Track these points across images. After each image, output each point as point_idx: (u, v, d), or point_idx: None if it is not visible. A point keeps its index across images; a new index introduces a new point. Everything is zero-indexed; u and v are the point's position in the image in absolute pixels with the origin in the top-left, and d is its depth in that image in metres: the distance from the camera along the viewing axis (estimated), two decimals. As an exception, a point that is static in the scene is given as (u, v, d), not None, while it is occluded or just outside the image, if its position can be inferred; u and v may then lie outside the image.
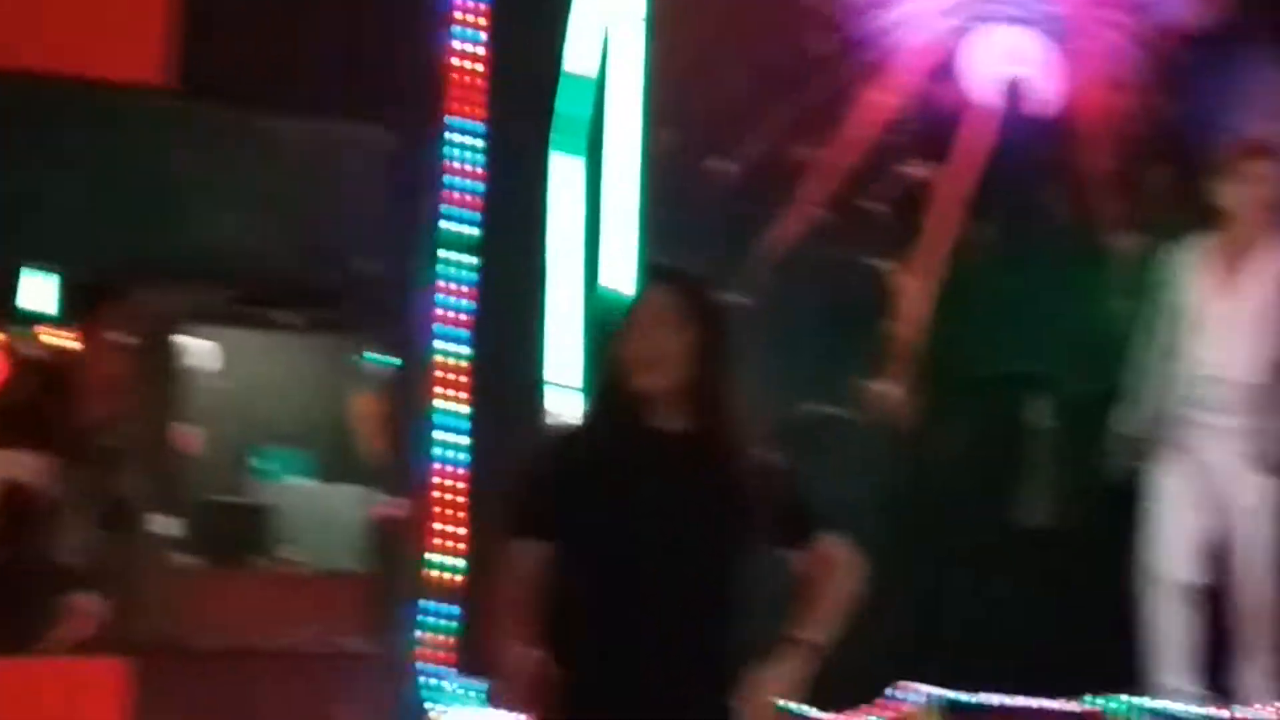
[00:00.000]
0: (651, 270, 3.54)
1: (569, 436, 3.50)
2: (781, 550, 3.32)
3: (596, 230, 6.47)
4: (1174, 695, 5.77)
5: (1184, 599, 5.89)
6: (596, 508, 3.22)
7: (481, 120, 6.21)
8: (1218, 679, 5.95)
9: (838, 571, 3.33)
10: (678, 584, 3.19)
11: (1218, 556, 6.02)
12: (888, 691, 5.50)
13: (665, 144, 6.79)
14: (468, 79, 6.26)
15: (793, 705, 5.29)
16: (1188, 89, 7.70)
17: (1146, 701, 5.59)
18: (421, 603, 5.74)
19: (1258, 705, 5.51)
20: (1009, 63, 7.59)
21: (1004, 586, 6.75)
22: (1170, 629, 5.88)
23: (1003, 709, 5.55)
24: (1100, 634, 6.08)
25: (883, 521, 6.67)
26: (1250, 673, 5.78)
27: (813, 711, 5.63)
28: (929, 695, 5.30)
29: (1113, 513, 6.34)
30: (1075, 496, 6.86)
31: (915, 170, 7.32)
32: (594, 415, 3.40)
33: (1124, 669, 5.97)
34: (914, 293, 7.19)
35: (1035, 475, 6.91)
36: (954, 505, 6.86)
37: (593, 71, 6.52)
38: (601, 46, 6.57)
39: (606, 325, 3.38)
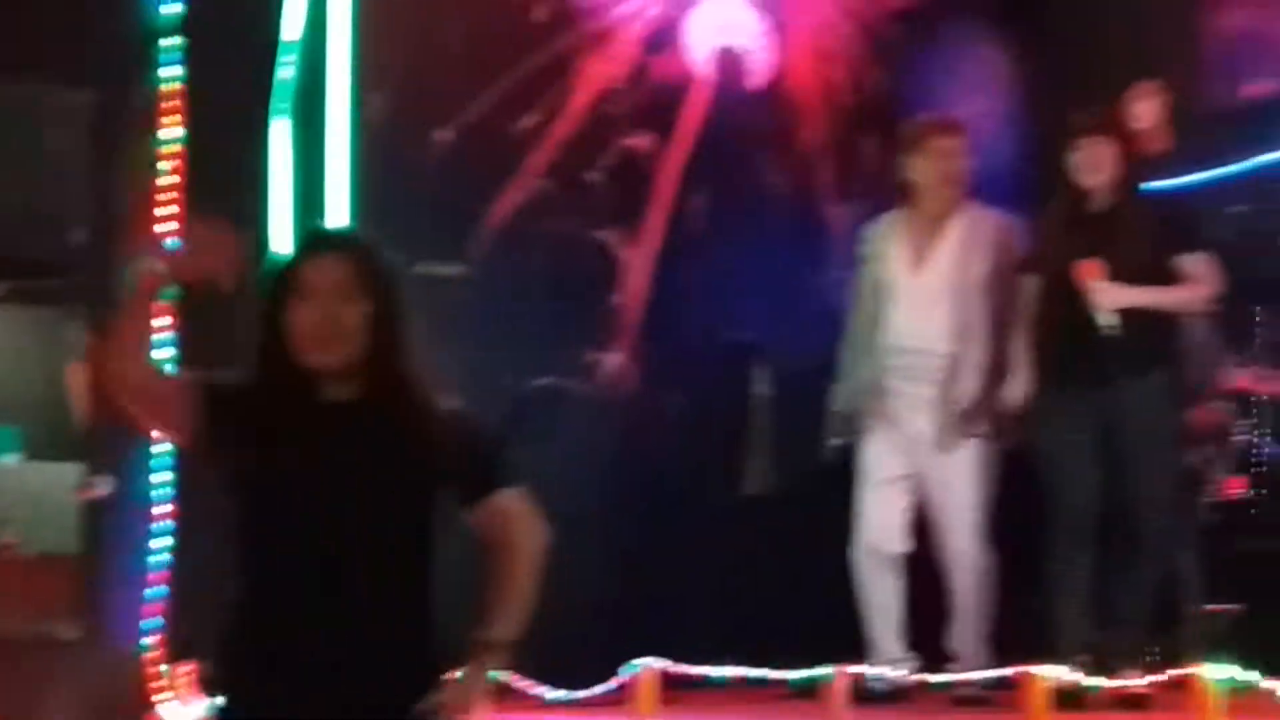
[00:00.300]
0: (315, 237, 3.30)
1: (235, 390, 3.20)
2: (464, 509, 3.18)
3: (319, 198, 6.24)
4: (889, 663, 5.86)
5: (892, 569, 6.00)
6: (259, 484, 3.05)
7: (184, 84, 5.91)
8: (938, 644, 6.07)
9: (517, 533, 3.18)
10: (353, 561, 3.04)
11: (929, 524, 6.14)
12: (619, 667, 5.42)
13: (377, 110, 6.60)
14: (171, 41, 5.97)
15: (523, 684, 5.27)
16: (898, 63, 7.88)
17: (866, 670, 5.64)
18: (137, 586, 5.46)
19: (972, 671, 5.63)
20: (724, 34, 7.63)
21: (729, 556, 6.78)
22: (880, 598, 5.99)
23: (727, 681, 5.53)
24: (825, 603, 6.14)
25: (609, 493, 6.67)
26: (964, 639, 5.90)
27: (543, 688, 5.55)
28: (655, 667, 5.24)
29: (834, 480, 6.40)
30: (797, 465, 6.93)
31: (636, 141, 7.29)
32: (258, 388, 3.15)
33: (848, 639, 6.03)
34: (636, 264, 7.17)
35: (757, 444, 6.97)
36: (679, 475, 6.86)
37: (298, 35, 6.29)
38: (311, 9, 6.34)
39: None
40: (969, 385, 5.92)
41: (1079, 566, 5.55)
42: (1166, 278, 5.56)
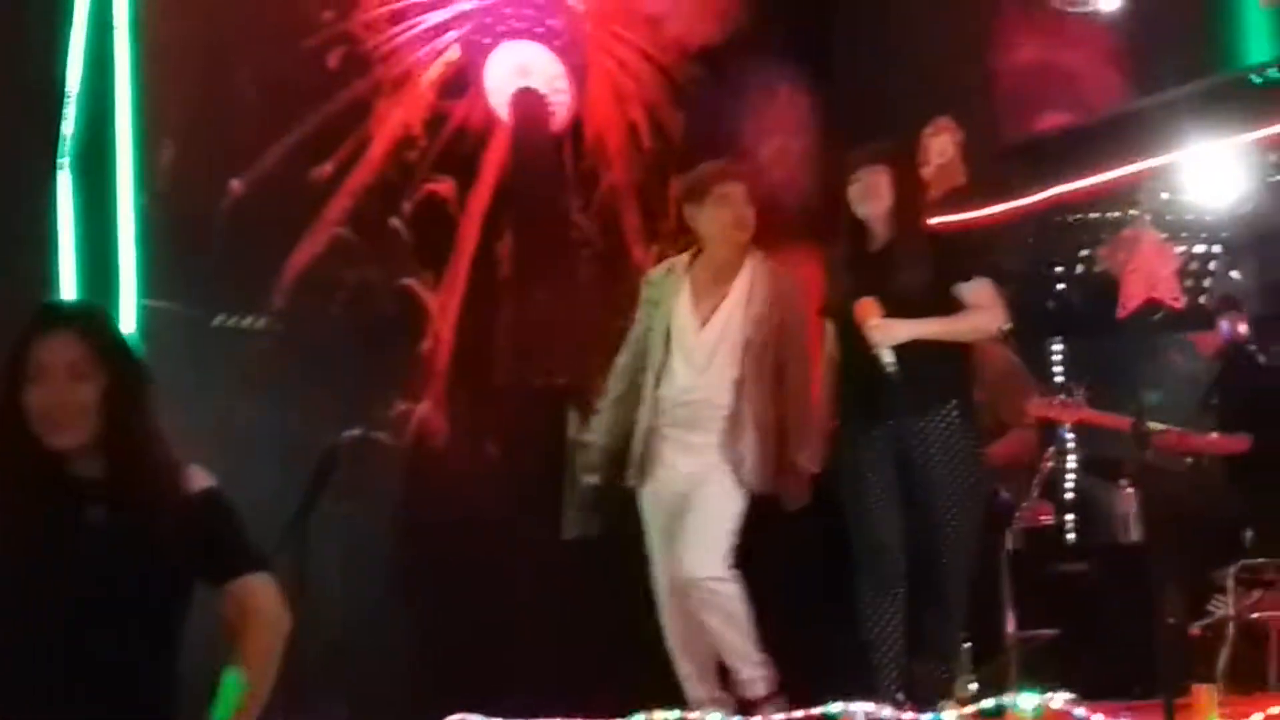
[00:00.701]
0: (43, 314, 3.13)
1: None
2: (210, 587, 3.07)
3: (108, 253, 6.04)
4: (700, 703, 5.76)
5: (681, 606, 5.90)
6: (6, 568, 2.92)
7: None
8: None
9: (256, 623, 3.06)
10: (94, 653, 2.92)
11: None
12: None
13: (167, 160, 6.43)
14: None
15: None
16: (698, 103, 7.92)
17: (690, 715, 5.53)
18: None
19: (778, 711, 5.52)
20: (522, 77, 7.59)
21: (550, 602, 6.68)
22: (683, 640, 5.89)
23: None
24: (650, 644, 6.05)
25: (424, 544, 6.55)
26: (745, 677, 5.83)
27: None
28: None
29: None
30: (612, 506, 6.86)
31: (437, 187, 7.20)
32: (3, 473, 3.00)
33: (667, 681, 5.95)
34: (441, 310, 7.07)
35: (573, 487, 6.89)
36: (495, 523, 6.74)
37: (78, 85, 6.09)
38: (93, 57, 6.14)
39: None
40: (749, 442, 5.83)
41: (888, 604, 5.52)
42: (949, 308, 5.50)
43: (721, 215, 5.83)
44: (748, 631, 5.62)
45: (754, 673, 5.61)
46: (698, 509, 5.66)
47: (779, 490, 5.72)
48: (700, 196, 5.87)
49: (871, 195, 5.46)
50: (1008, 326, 5.29)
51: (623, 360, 5.98)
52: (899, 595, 5.36)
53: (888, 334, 5.29)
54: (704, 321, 5.83)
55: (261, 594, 3.05)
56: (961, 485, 5.28)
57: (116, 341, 3.05)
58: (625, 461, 5.84)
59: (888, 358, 5.25)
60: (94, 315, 3.13)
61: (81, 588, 2.91)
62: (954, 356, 5.38)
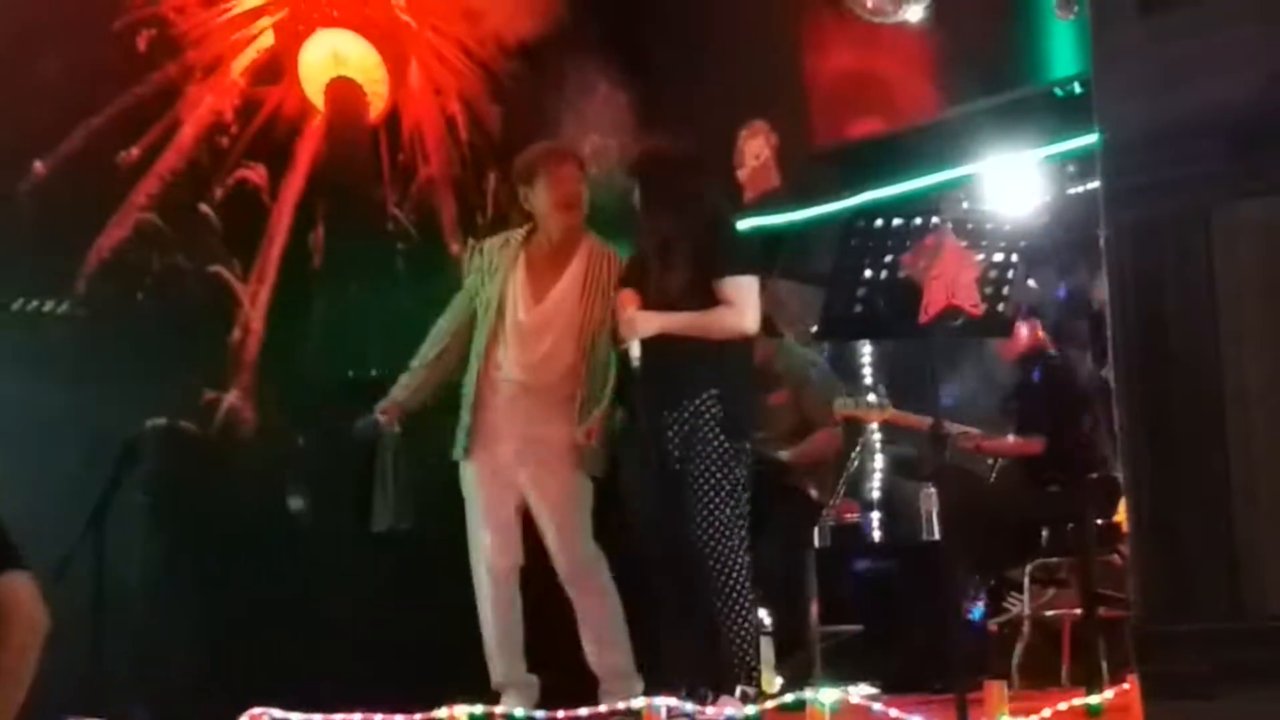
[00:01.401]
0: None
1: None
2: None
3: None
4: (508, 687, 5.78)
5: (501, 585, 5.90)
6: None
7: None
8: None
9: (15, 624, 2.96)
10: None
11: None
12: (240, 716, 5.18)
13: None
14: None
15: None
16: (517, 97, 7.92)
17: (495, 709, 5.52)
18: None
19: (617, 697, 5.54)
20: (336, 65, 7.52)
21: (360, 595, 6.64)
22: (492, 614, 5.89)
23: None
24: (457, 636, 6.03)
25: (231, 536, 6.45)
26: (600, 661, 5.85)
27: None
28: (265, 715, 5.03)
29: (461, 513, 6.33)
30: (421, 499, 6.83)
31: (248, 174, 7.09)
32: None
33: (483, 671, 5.94)
34: (251, 299, 6.98)
35: (383, 480, 6.84)
36: (306, 515, 6.68)
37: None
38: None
39: None
40: (567, 420, 5.84)
41: (671, 595, 5.55)
42: (710, 304, 5.52)
43: (553, 194, 5.84)
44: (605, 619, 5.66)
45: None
46: (552, 498, 5.66)
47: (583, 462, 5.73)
48: (531, 176, 5.89)
49: (637, 199, 5.55)
50: (813, 330, 5.32)
51: (443, 324, 5.96)
52: (684, 589, 5.39)
53: (635, 327, 5.33)
54: (538, 300, 5.82)
55: (22, 592, 2.94)
56: (712, 479, 5.27)
57: None
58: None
59: (634, 350, 5.30)
60: None
61: None
62: (707, 352, 5.34)
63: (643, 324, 5.33)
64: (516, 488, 5.80)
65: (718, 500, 5.24)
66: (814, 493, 6.77)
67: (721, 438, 5.26)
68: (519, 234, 5.94)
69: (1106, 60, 2.59)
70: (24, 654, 2.88)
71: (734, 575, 5.22)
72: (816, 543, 6.91)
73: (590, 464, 5.71)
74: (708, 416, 5.27)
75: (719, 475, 5.25)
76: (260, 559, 6.45)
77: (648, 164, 5.58)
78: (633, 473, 5.46)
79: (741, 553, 5.24)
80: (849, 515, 7.30)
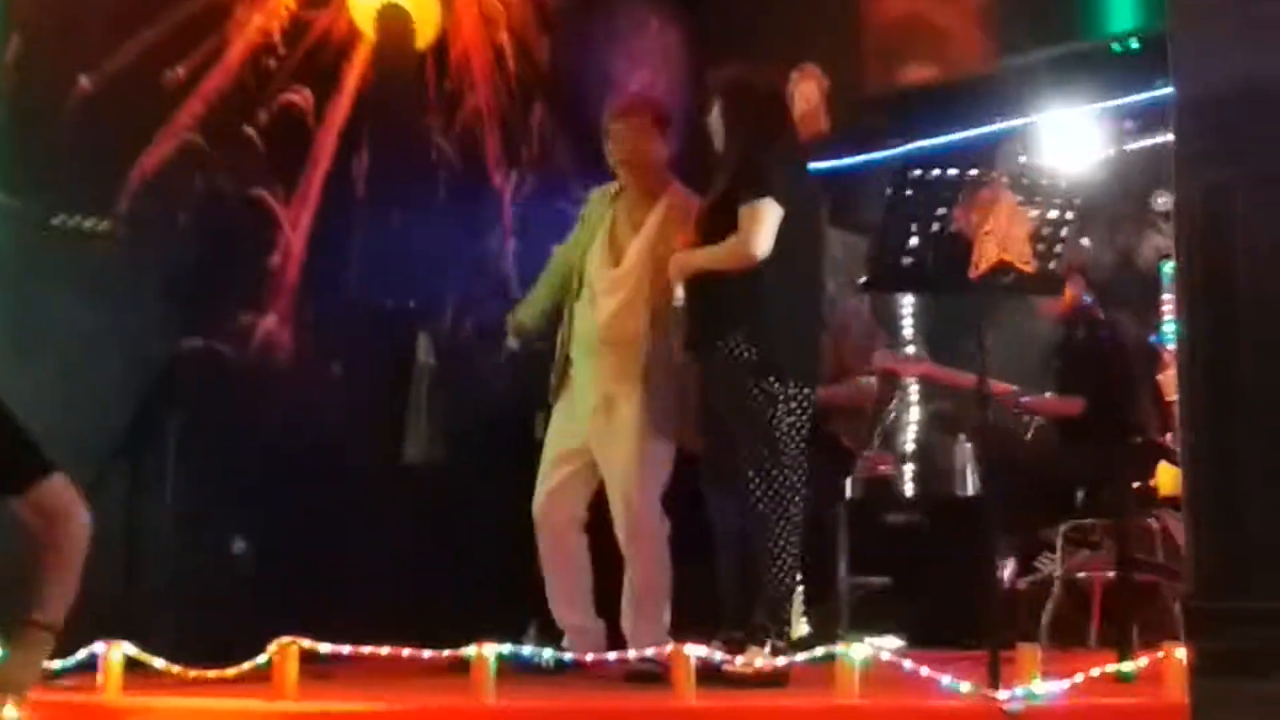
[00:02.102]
0: None
1: None
2: (5, 497, 2.94)
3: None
4: (572, 630, 5.74)
5: (566, 537, 5.87)
6: None
7: None
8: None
9: (59, 529, 2.97)
10: None
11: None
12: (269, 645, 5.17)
13: (15, 52, 6.21)
14: None
15: (157, 662, 5.01)
16: (566, 29, 7.84)
17: (523, 649, 5.47)
18: None
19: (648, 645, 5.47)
20: (387, -9, 7.45)
21: (390, 526, 6.63)
22: (553, 566, 5.85)
23: (374, 658, 5.33)
24: (488, 574, 6.04)
25: (264, 462, 6.44)
26: (634, 612, 5.80)
27: (185, 665, 5.27)
28: (295, 645, 5.02)
29: (495, 449, 6.32)
30: (457, 433, 6.83)
31: (294, 97, 7.04)
32: None
33: (513, 611, 5.92)
34: (293, 224, 6.94)
35: (418, 412, 6.83)
36: (337, 444, 6.65)
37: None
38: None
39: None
40: (652, 385, 5.79)
41: (719, 545, 5.50)
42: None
43: (613, 151, 5.82)
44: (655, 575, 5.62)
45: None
46: (609, 457, 5.61)
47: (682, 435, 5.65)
48: (606, 131, 5.87)
49: (713, 131, 5.42)
50: (860, 282, 5.19)
51: (559, 251, 5.94)
52: (731, 534, 5.34)
53: (676, 268, 5.27)
54: (615, 257, 5.78)
55: (66, 494, 2.96)
56: (747, 423, 5.17)
57: None
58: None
59: (678, 293, 5.22)
60: None
61: None
62: (739, 287, 5.19)
63: (677, 266, 5.27)
64: (586, 444, 5.75)
65: (759, 445, 5.15)
66: (847, 443, 6.74)
67: (753, 379, 5.14)
68: (614, 186, 5.89)
69: (1186, 19, 2.51)
70: (79, 547, 2.92)
71: (777, 524, 5.14)
72: (848, 493, 6.89)
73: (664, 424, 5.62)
74: (740, 358, 5.15)
75: (759, 419, 5.15)
76: (292, 486, 6.43)
77: (720, 84, 5.45)
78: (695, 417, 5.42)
79: (787, 502, 5.15)
80: (882, 467, 7.25)
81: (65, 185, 6.33)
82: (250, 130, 6.90)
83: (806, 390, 5.28)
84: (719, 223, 5.22)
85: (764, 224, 5.15)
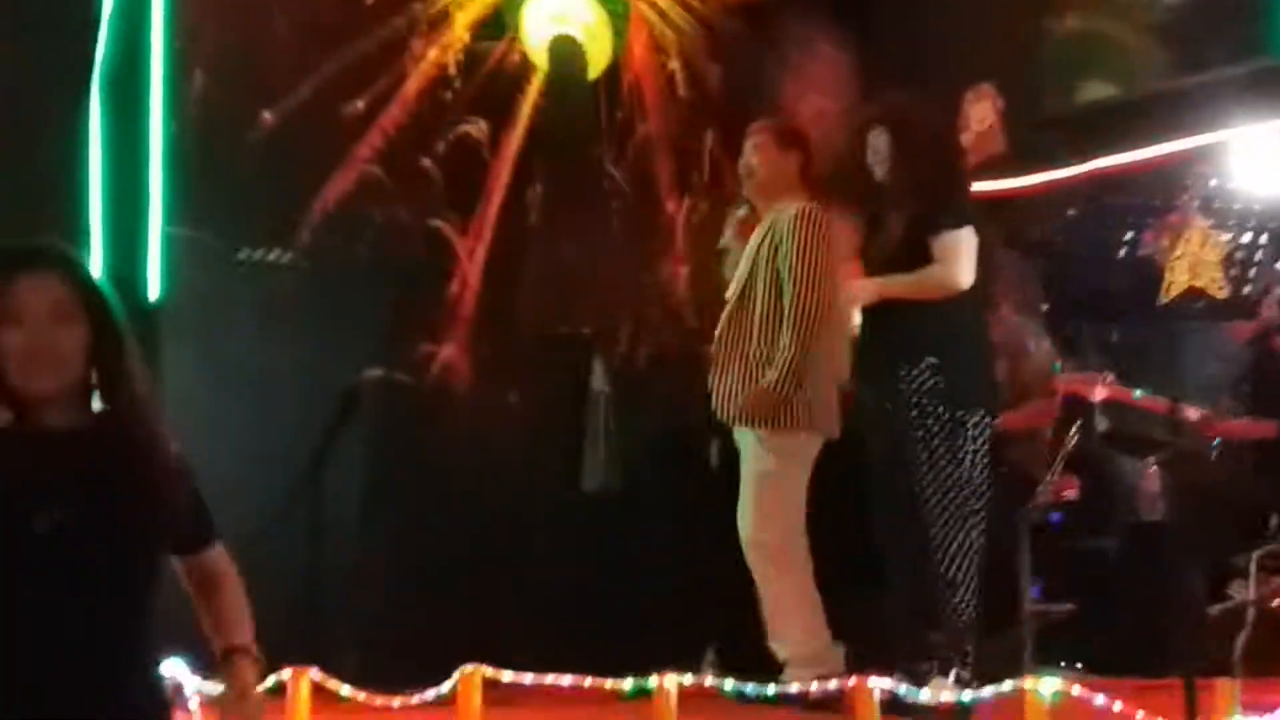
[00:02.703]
0: (21, 253, 2.91)
1: None
2: (175, 556, 2.98)
3: (136, 183, 5.99)
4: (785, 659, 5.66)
5: (747, 555, 5.78)
6: None
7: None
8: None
9: (231, 581, 3.04)
10: (82, 606, 2.82)
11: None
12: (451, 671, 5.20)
13: (199, 90, 6.36)
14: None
15: (344, 689, 5.07)
16: (737, 55, 7.83)
17: (704, 679, 5.43)
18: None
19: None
20: (559, 23, 7.51)
21: (567, 554, 6.66)
22: (762, 588, 5.76)
23: (556, 688, 5.34)
24: (667, 601, 6.02)
25: (442, 490, 6.51)
26: (781, 637, 5.71)
27: (371, 693, 5.33)
28: (479, 673, 5.04)
29: (671, 475, 6.32)
30: (634, 459, 6.84)
31: (470, 128, 7.13)
32: None
33: (689, 638, 5.89)
34: (469, 254, 7.02)
35: (595, 439, 6.86)
36: (514, 472, 6.71)
37: (111, 12, 6.02)
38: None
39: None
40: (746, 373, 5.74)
41: (894, 574, 5.41)
42: (926, 264, 5.33)
43: (743, 165, 5.87)
44: (773, 599, 5.53)
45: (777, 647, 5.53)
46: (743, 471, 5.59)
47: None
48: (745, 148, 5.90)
49: (875, 159, 5.36)
50: (1044, 307, 5.12)
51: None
52: (907, 563, 5.26)
53: (854, 294, 5.21)
54: (733, 272, 5.83)
55: (227, 561, 3.02)
56: (932, 452, 5.11)
57: (98, 287, 2.90)
58: None
59: (855, 319, 5.17)
60: (74, 258, 2.96)
61: (59, 548, 2.74)
62: (929, 315, 5.16)
63: (860, 292, 5.22)
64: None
65: (941, 473, 5.09)
66: (1029, 468, 6.62)
67: (941, 408, 5.09)
68: (744, 205, 5.92)
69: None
70: (236, 585, 2.99)
71: (957, 553, 5.08)
72: (1032, 519, 6.76)
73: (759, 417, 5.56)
74: (928, 386, 5.12)
75: (942, 447, 5.10)
76: (471, 513, 6.50)
77: (889, 114, 5.40)
78: (863, 445, 5.35)
79: (967, 530, 5.09)
80: (1068, 492, 7.10)
81: (249, 219, 6.47)
82: (427, 162, 7.00)
83: (988, 419, 5.24)
84: (904, 251, 5.18)
85: (967, 254, 5.17)
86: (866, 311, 5.15)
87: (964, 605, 5.09)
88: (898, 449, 5.17)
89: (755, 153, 5.84)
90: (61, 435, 2.83)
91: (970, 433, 5.13)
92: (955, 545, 5.05)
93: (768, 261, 5.64)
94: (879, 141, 5.32)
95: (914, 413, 5.11)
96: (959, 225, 5.19)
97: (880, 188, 5.35)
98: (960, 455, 5.10)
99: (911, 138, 5.32)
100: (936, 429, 5.10)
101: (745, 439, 5.62)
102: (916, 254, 5.18)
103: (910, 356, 5.13)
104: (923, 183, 5.26)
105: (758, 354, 5.60)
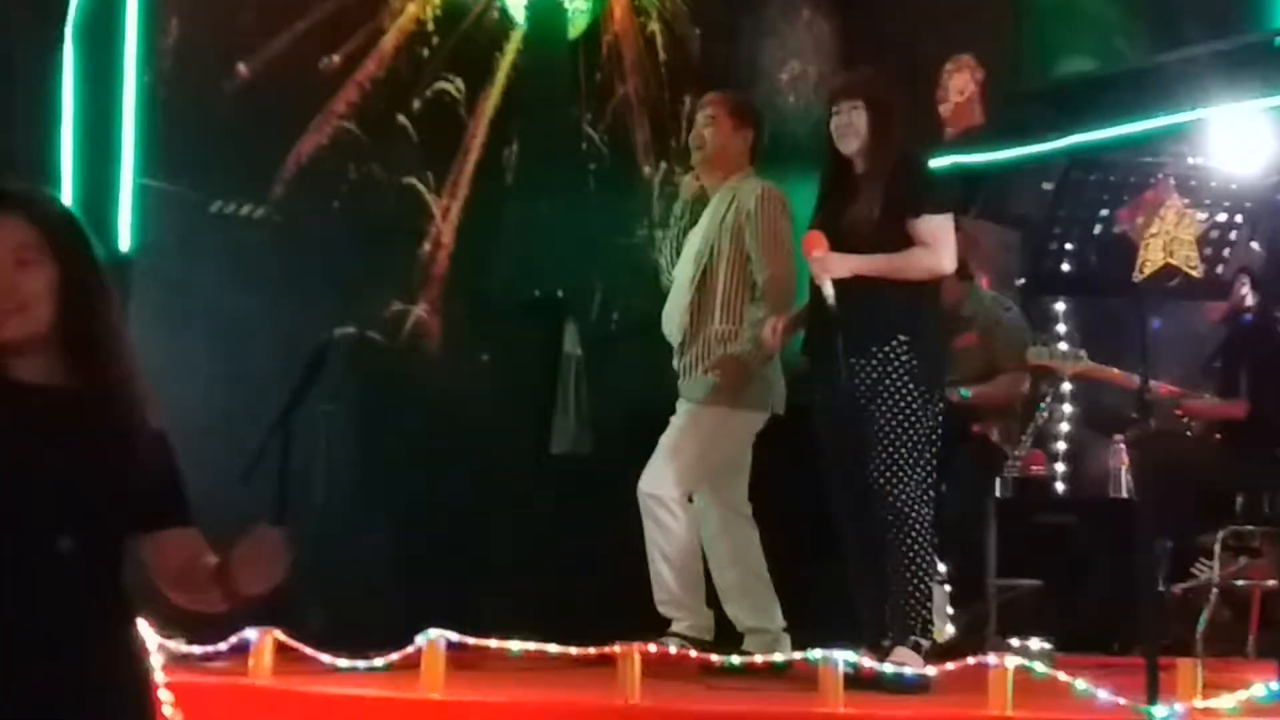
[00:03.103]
0: None
1: None
2: (142, 531, 2.85)
3: (108, 131, 5.93)
4: (675, 615, 5.73)
5: (651, 512, 5.86)
6: None
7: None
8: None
9: (206, 559, 2.91)
10: (54, 573, 2.72)
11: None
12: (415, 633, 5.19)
13: (173, 39, 6.29)
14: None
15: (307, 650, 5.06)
16: (718, 19, 7.80)
17: (670, 645, 5.46)
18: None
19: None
20: (539, -19, 7.46)
21: (535, 517, 6.65)
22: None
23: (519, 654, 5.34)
24: (631, 567, 5.99)
25: (411, 450, 6.49)
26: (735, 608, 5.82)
27: (332, 655, 5.31)
28: (442, 638, 5.04)
29: (641, 440, 6.28)
30: (603, 423, 6.82)
31: (447, 85, 7.08)
32: None
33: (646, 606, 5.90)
34: (443, 213, 6.99)
35: (565, 402, 6.84)
36: (484, 433, 6.69)
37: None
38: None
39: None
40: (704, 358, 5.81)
41: (856, 546, 5.45)
42: (902, 245, 5.38)
43: (693, 137, 5.93)
44: (673, 567, 5.61)
45: (671, 613, 5.62)
46: (669, 428, 5.70)
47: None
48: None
49: (848, 133, 5.34)
50: (1019, 283, 5.14)
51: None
52: (866, 537, 5.28)
53: (828, 267, 5.20)
54: (681, 249, 5.90)
55: (202, 546, 2.87)
56: (899, 427, 5.13)
57: (74, 231, 2.76)
58: None
59: (828, 290, 5.16)
60: (45, 199, 2.81)
61: (33, 511, 2.62)
62: (899, 295, 5.19)
63: (835, 265, 5.21)
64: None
65: (903, 449, 5.11)
66: (998, 440, 6.63)
67: (911, 385, 5.13)
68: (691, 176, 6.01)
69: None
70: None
71: (915, 526, 5.10)
72: (998, 492, 6.78)
73: (715, 397, 5.64)
74: (899, 363, 5.14)
75: (907, 423, 5.12)
76: (440, 474, 6.48)
77: (867, 90, 5.40)
78: (818, 418, 5.36)
79: (924, 503, 5.12)
80: (1035, 467, 7.12)
81: (222, 172, 6.41)
82: (403, 119, 6.95)
83: (942, 394, 5.34)
84: (877, 230, 5.18)
85: (950, 239, 5.23)
86: (835, 286, 5.13)
87: (924, 573, 5.13)
88: (857, 424, 5.17)
89: (709, 124, 5.90)
90: (31, 391, 2.70)
91: (933, 409, 5.18)
92: (917, 516, 5.09)
93: (732, 238, 5.68)
94: (854, 116, 5.30)
95: (882, 388, 5.12)
96: (943, 210, 5.24)
97: (846, 162, 5.34)
98: (925, 429, 5.14)
99: (890, 116, 5.31)
100: (905, 404, 5.12)
101: (689, 408, 5.69)
102: (889, 234, 5.19)
103: (884, 333, 5.14)
104: (903, 164, 5.27)
105: (722, 331, 5.69)
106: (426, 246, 6.96)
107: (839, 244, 5.20)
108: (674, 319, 5.89)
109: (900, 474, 5.10)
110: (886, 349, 5.13)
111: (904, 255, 5.19)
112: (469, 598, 5.95)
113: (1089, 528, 6.83)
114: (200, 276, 6.24)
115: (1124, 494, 7.09)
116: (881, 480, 5.10)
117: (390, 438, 6.47)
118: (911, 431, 5.12)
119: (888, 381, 5.12)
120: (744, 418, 5.79)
